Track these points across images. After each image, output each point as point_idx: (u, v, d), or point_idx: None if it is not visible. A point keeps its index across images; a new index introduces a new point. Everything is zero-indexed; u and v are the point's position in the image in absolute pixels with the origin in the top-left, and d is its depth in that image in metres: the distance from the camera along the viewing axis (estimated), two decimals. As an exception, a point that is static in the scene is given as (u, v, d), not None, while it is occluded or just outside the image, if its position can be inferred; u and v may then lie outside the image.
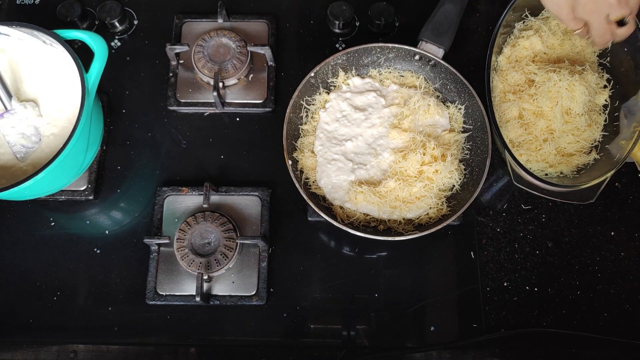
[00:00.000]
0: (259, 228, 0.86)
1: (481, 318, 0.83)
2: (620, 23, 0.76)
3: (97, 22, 0.99)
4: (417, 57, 0.90)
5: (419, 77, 0.92)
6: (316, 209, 0.79)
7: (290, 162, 0.83)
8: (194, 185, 0.88)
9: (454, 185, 0.85)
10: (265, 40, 0.97)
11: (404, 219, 0.83)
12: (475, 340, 0.82)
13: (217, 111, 0.94)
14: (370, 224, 0.83)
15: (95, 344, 0.82)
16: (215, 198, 0.88)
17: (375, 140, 0.87)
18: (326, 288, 0.85)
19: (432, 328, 0.83)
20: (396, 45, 0.89)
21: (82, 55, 0.80)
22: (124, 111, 0.95)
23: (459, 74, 0.87)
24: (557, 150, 0.85)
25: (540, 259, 0.87)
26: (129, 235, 0.87)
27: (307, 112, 0.89)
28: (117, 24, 0.97)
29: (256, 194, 0.88)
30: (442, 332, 0.83)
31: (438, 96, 0.92)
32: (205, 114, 0.95)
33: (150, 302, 0.83)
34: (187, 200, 0.88)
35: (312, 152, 0.87)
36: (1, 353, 0.82)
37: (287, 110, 0.85)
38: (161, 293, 0.83)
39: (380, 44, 0.89)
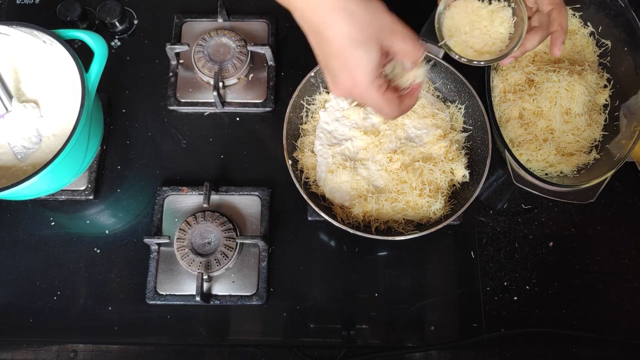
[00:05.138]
0: (259, 228, 0.86)
1: (481, 318, 0.83)
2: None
3: (97, 22, 0.99)
4: (417, 56, 0.90)
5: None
6: (316, 209, 0.79)
7: (290, 162, 0.83)
8: (194, 185, 0.88)
9: (455, 185, 0.86)
10: (265, 40, 0.97)
11: (404, 218, 0.83)
12: (475, 340, 0.82)
13: (217, 111, 0.94)
14: (371, 224, 0.83)
15: (95, 343, 0.82)
16: (215, 198, 0.88)
17: (375, 139, 0.87)
18: (326, 288, 0.85)
19: (432, 328, 0.83)
20: (396, 45, 0.89)
21: (82, 55, 0.80)
22: (124, 111, 0.95)
23: (459, 74, 0.87)
24: (557, 150, 0.85)
25: (540, 259, 0.87)
26: (129, 235, 0.87)
27: (307, 112, 0.89)
28: (117, 24, 0.97)
29: (256, 193, 0.88)
30: (442, 332, 0.83)
31: (438, 96, 0.92)
32: (205, 114, 0.95)
33: (150, 302, 0.83)
34: (187, 200, 0.88)
35: (312, 152, 0.87)
36: (1, 353, 0.82)
37: (287, 110, 0.85)
38: (161, 293, 0.83)
39: (380, 44, 0.89)
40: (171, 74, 0.95)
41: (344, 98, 0.64)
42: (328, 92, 0.90)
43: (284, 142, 0.83)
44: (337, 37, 0.57)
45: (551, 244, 0.87)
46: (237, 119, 0.95)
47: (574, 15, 0.92)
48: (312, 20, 0.57)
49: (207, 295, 0.83)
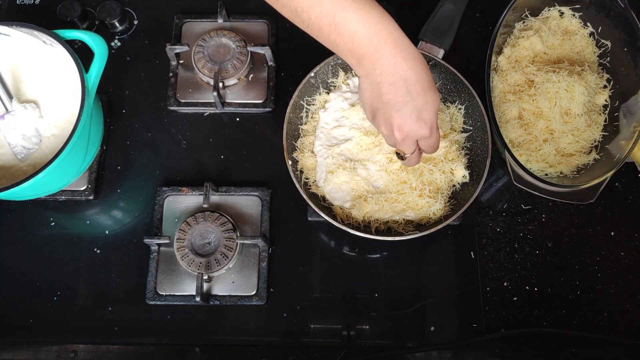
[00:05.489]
0: (259, 228, 0.86)
1: (481, 318, 0.83)
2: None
3: (97, 22, 0.99)
4: (417, 57, 0.90)
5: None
6: (316, 209, 0.79)
7: (290, 162, 0.83)
8: (194, 185, 0.88)
9: (454, 185, 0.86)
10: (265, 40, 0.97)
11: (404, 219, 0.84)
12: (475, 340, 0.82)
13: (217, 111, 0.94)
14: (371, 224, 0.83)
15: (95, 344, 0.82)
16: (215, 198, 0.88)
17: (375, 140, 0.87)
18: (326, 288, 0.85)
19: (432, 328, 0.83)
20: (396, 45, 0.89)
21: (82, 55, 0.80)
22: (124, 111, 0.95)
23: (459, 74, 0.87)
24: (557, 150, 0.85)
25: (540, 259, 0.87)
26: (129, 235, 0.87)
27: (307, 112, 0.89)
28: (117, 24, 0.97)
29: (256, 194, 0.88)
30: (442, 332, 0.83)
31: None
32: (205, 114, 0.95)
33: (150, 302, 0.83)
34: (187, 200, 0.88)
35: (312, 152, 0.87)
36: (1, 353, 0.82)
37: (287, 110, 0.85)
38: (161, 293, 0.83)
39: (380, 44, 0.89)
40: (171, 74, 0.95)
41: (398, 143, 0.72)
42: (328, 93, 0.90)
43: (284, 142, 0.83)
44: (420, 80, 0.65)
45: (551, 244, 0.87)
46: (237, 119, 0.95)
47: (573, 15, 0.92)
48: (399, 66, 0.64)
49: (207, 296, 0.83)
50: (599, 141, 0.86)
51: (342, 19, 0.62)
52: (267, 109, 0.94)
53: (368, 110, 0.70)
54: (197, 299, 0.80)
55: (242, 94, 0.95)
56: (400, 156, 0.76)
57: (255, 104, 0.94)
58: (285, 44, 0.98)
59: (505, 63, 0.90)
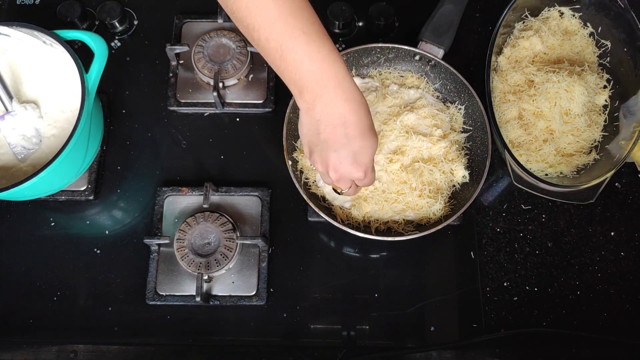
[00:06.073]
0: (259, 228, 0.86)
1: (481, 318, 0.83)
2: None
3: (97, 22, 0.99)
4: (417, 57, 0.90)
5: (419, 77, 0.92)
6: (316, 209, 0.79)
7: (290, 162, 0.83)
8: (194, 185, 0.88)
9: (454, 185, 0.86)
10: (265, 41, 0.97)
11: (404, 219, 0.84)
12: (475, 340, 0.82)
13: (217, 111, 0.94)
14: (371, 225, 0.83)
15: (95, 344, 0.82)
16: (215, 198, 0.88)
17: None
18: (326, 288, 0.85)
19: (432, 328, 0.83)
20: (396, 46, 0.90)
21: (82, 55, 0.80)
22: (124, 111, 0.95)
23: (459, 74, 0.87)
24: (557, 150, 0.85)
25: (540, 259, 0.87)
26: (129, 235, 0.87)
27: (307, 112, 0.89)
28: (117, 24, 0.97)
29: (256, 194, 0.88)
30: (442, 332, 0.83)
31: (438, 96, 0.92)
32: (205, 114, 0.95)
33: (150, 302, 0.83)
34: (187, 200, 0.88)
35: (312, 152, 0.87)
36: (1, 353, 0.82)
37: (287, 110, 0.85)
38: (161, 293, 0.83)
39: (380, 44, 0.89)
40: (171, 74, 0.95)
41: (330, 182, 0.72)
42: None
43: (284, 142, 0.83)
44: (359, 123, 0.64)
45: (551, 244, 0.87)
46: (237, 119, 0.95)
47: (573, 15, 0.92)
48: (340, 107, 0.63)
49: (207, 296, 0.83)
50: (599, 141, 0.86)
51: (289, 47, 0.61)
52: (267, 109, 0.94)
53: (305, 145, 0.70)
54: (197, 299, 0.80)
55: (242, 94, 0.95)
56: (337, 191, 0.75)
57: (255, 104, 0.94)
58: (285, 44, 0.98)
59: (505, 63, 0.91)
